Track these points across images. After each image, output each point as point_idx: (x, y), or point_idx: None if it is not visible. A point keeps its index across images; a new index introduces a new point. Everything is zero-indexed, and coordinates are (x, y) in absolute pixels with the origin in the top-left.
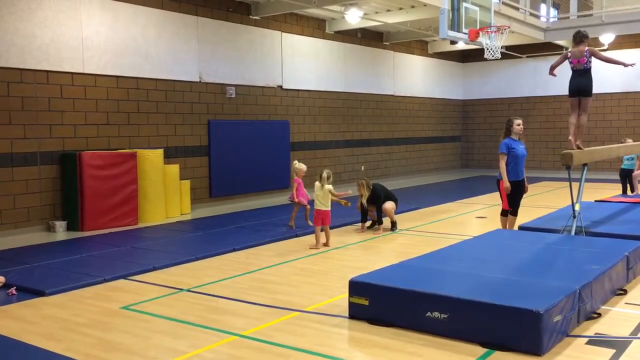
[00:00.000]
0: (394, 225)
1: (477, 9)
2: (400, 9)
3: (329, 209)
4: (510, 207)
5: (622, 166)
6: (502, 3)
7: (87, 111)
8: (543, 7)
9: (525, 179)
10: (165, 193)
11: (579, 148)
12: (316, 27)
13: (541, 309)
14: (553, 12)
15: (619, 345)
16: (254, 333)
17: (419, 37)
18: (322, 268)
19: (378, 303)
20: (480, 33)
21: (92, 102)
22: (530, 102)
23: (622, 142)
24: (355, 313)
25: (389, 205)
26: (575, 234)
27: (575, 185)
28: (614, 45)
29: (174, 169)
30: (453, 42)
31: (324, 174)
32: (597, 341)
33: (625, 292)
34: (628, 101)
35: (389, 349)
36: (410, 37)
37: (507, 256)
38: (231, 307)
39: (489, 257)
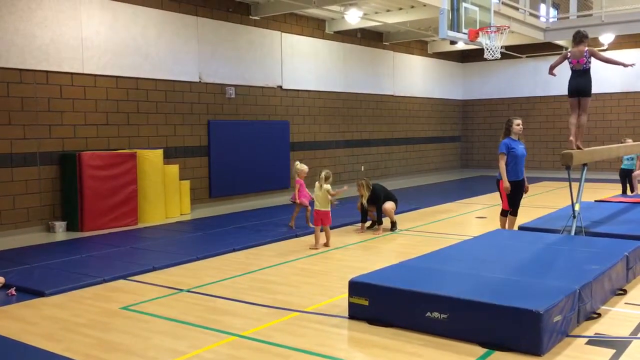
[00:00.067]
0: (393, 225)
1: (476, 9)
2: (400, 9)
3: (329, 209)
4: (510, 207)
5: (622, 166)
6: (502, 3)
7: (86, 111)
8: (543, 7)
9: (526, 179)
10: (165, 193)
11: (578, 148)
12: (316, 27)
13: (541, 309)
14: (553, 12)
15: (618, 345)
16: (253, 333)
17: (418, 37)
18: (322, 268)
19: (378, 303)
20: (480, 33)
21: (92, 102)
22: (530, 102)
23: (621, 142)
24: (355, 313)
25: (389, 205)
26: (575, 234)
27: (575, 185)
28: (614, 45)
29: (174, 169)
30: (453, 42)
31: (323, 174)
32: (597, 341)
33: (625, 292)
34: (628, 101)
35: (388, 349)
36: (410, 37)
37: (507, 256)
38: (231, 308)
39: (488, 257)
